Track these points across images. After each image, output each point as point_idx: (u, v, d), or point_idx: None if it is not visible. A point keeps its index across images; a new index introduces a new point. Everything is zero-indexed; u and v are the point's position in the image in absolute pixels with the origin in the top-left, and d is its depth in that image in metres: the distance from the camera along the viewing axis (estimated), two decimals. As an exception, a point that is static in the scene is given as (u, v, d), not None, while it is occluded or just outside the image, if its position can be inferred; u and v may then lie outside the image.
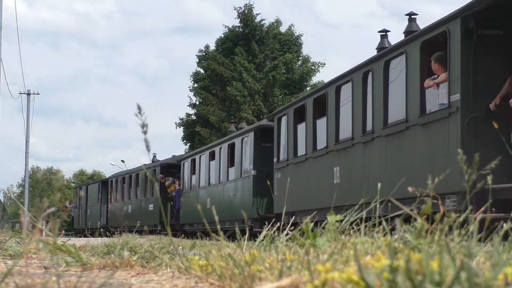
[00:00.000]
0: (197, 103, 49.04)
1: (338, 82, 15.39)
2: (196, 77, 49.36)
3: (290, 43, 48.38)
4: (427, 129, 11.65)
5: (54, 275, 3.09)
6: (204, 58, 48.77)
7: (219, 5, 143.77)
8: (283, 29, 49.14)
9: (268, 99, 46.13)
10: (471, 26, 10.65)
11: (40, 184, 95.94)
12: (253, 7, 47.73)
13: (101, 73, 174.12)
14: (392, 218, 3.31)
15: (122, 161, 43.74)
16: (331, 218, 3.56)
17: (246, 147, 21.86)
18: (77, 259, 4.28)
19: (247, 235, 3.79)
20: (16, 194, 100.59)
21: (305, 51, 49.80)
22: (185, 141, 50.82)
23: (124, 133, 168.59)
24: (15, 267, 3.35)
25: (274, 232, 3.93)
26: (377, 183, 11.04)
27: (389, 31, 15.33)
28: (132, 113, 2.72)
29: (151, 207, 31.98)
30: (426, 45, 11.88)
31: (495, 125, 10.49)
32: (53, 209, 2.76)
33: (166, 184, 30.92)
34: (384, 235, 3.39)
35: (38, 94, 52.43)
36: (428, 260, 2.02)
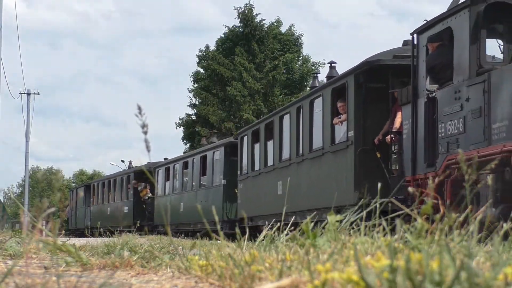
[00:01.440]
0: (197, 103, 49.03)
1: (281, 112, 19.06)
2: (196, 77, 49.34)
3: (290, 43, 48.35)
4: (335, 156, 15.02)
5: (54, 275, 3.09)
6: (204, 58, 48.76)
7: (219, 5, 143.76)
8: (283, 29, 49.16)
9: (268, 99, 46.12)
10: (361, 81, 14.06)
11: (40, 184, 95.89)
12: (253, 7, 47.75)
13: (101, 73, 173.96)
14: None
15: (122, 161, 44.26)
16: (331, 218, 3.56)
17: (217, 159, 24.92)
18: (77, 259, 4.28)
19: (247, 235, 3.80)
20: (16, 194, 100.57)
21: (305, 51, 49.84)
22: (185, 141, 50.81)
23: (124, 133, 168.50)
24: (15, 267, 3.35)
25: (274, 232, 3.93)
26: (307, 195, 13.85)
27: (319, 72, 19.74)
28: (132, 113, 2.72)
29: (126, 209, 34.83)
30: (335, 91, 15.19)
31: (378, 155, 13.46)
32: (53, 209, 2.76)
33: (139, 189, 33.92)
34: (384, 235, 3.39)
35: (38, 94, 52.44)
36: (428, 260, 2.02)
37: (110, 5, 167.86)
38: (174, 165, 30.15)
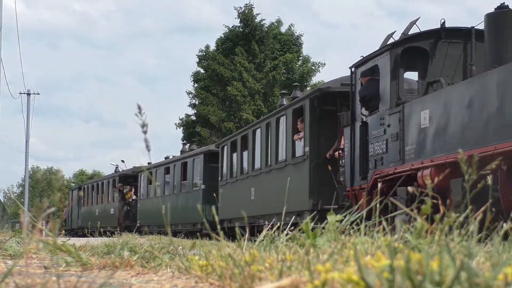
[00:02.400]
0: (197, 103, 48.99)
1: (254, 126, 21.41)
2: (196, 77, 49.31)
3: (290, 43, 48.34)
4: (295, 168, 17.25)
5: (54, 275, 3.09)
6: (204, 58, 48.73)
7: (219, 5, 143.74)
8: (283, 29, 49.13)
9: (268, 99, 46.10)
10: (315, 104, 16.43)
11: (40, 184, 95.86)
12: (253, 7, 47.72)
13: (101, 73, 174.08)
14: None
15: (122, 161, 45.01)
16: (331, 218, 3.56)
17: (197, 166, 27.40)
18: (77, 259, 4.28)
19: (247, 235, 3.80)
20: (16, 194, 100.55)
21: (305, 51, 49.85)
22: (185, 141, 50.75)
23: (124, 133, 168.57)
24: (15, 267, 3.35)
25: (274, 232, 3.94)
26: (273, 201, 16.61)
27: (288, 94, 21.71)
28: (131, 113, 2.72)
29: (112, 211, 37.75)
30: (296, 111, 17.53)
31: (329, 168, 15.50)
32: (53, 209, 2.76)
33: (124, 191, 36.62)
34: (384, 235, 3.39)
35: (38, 94, 52.49)
36: (428, 260, 2.02)
37: (110, 5, 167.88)
38: (156, 170, 32.49)
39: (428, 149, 10.96)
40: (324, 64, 49.62)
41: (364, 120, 13.23)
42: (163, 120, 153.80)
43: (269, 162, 19.34)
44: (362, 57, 13.54)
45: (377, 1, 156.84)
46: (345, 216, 3.77)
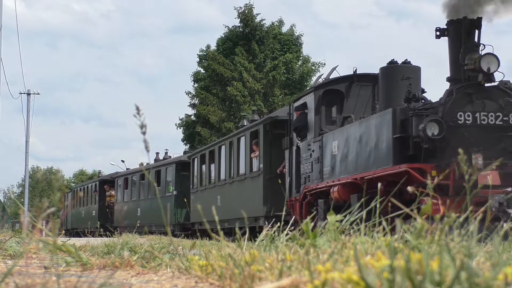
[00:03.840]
0: (197, 103, 48.95)
1: (220, 143, 24.70)
2: (196, 76, 49.29)
3: (290, 43, 48.31)
4: (252, 180, 20.48)
5: (54, 275, 3.09)
6: (205, 57, 48.70)
7: (219, 5, 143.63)
8: (284, 29, 49.12)
9: (268, 99, 46.09)
10: (268, 128, 19.66)
11: (40, 184, 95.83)
12: (253, 7, 47.70)
13: (100, 73, 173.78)
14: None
15: (122, 161, 45.28)
16: (331, 218, 3.56)
17: (169, 174, 30.88)
18: (77, 259, 4.28)
19: (246, 236, 3.80)
20: (16, 194, 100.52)
21: (305, 51, 49.80)
22: (185, 141, 50.73)
23: (124, 133, 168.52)
24: (15, 267, 3.35)
25: (274, 232, 3.93)
26: (235, 207, 22.12)
27: (245, 115, 26.38)
28: (131, 113, 2.72)
29: (93, 212, 41.32)
30: (253, 133, 20.71)
31: (279, 181, 17.42)
32: (53, 209, 2.76)
33: (108, 193, 39.75)
34: (384, 235, 3.39)
35: (38, 94, 52.31)
36: (428, 260, 2.02)
37: (109, 4, 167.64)
38: (132, 176, 35.94)
39: (337, 171, 13.90)
40: (324, 64, 49.59)
41: (298, 145, 16.24)
42: (163, 120, 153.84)
43: (232, 175, 22.60)
44: (297, 94, 16.81)
45: (377, 1, 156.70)
46: (345, 216, 3.78)
